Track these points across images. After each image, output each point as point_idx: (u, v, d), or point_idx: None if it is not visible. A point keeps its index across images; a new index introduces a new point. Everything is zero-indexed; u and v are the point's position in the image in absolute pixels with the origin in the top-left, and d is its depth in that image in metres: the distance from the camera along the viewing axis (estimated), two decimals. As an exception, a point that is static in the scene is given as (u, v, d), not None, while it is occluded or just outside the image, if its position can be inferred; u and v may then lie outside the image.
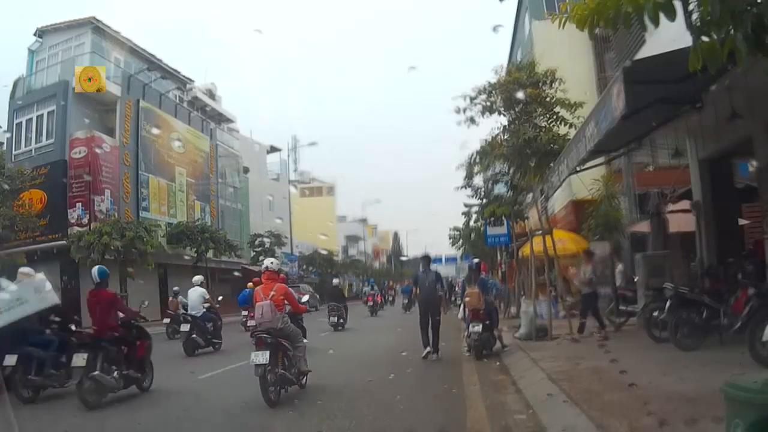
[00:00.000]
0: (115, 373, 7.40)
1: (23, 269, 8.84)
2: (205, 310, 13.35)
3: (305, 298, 11.61)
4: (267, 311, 7.15)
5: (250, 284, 18.40)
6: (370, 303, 27.70)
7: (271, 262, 7.90)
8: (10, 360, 7.42)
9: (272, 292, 7.31)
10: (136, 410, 7.12)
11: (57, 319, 8.54)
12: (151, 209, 28.11)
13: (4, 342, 7.48)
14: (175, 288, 18.39)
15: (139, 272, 23.23)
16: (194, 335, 12.74)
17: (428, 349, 10.35)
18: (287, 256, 37.29)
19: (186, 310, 13.83)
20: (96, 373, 7.10)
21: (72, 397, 7.31)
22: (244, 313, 16.71)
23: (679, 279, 10.28)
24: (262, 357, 6.76)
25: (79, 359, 7.17)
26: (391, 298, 41.13)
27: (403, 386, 7.85)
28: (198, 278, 14.44)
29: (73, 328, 8.55)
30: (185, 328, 12.75)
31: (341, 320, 18.93)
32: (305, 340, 8.38)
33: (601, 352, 8.23)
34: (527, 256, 14.12)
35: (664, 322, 8.60)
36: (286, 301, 7.52)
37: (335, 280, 22.76)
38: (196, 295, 13.59)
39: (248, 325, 15.02)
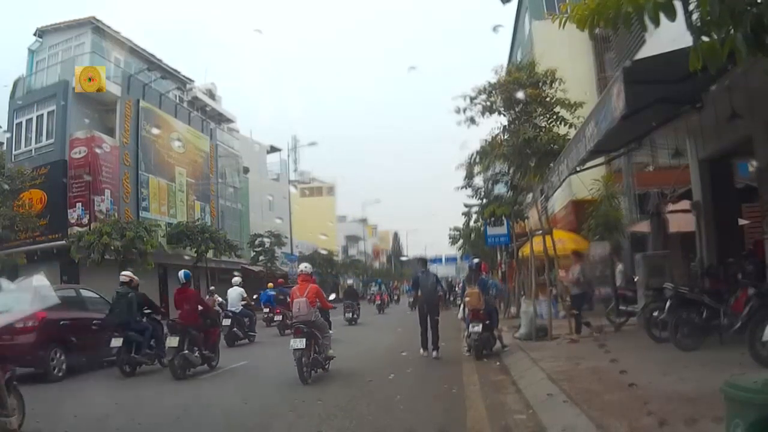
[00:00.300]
0: (197, 353, 9.75)
1: (125, 273, 11.12)
2: (242, 307, 15.37)
3: (332, 296, 12.69)
4: (303, 307, 8.62)
5: (270, 285, 19.70)
6: (378, 302, 29.63)
7: (306, 266, 9.60)
8: (116, 342, 9.83)
9: (306, 291, 8.73)
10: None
11: (148, 310, 10.91)
12: (151, 209, 28.10)
13: (113, 328, 10.07)
14: (212, 287, 20.46)
15: (139, 272, 23.10)
16: (234, 329, 14.60)
17: (424, 352, 10.76)
18: (287, 256, 37.27)
19: (222, 308, 15.10)
20: (185, 351, 9.41)
21: (159, 372, 10.12)
22: (266, 310, 19.29)
23: (679, 279, 10.28)
24: (300, 343, 8.25)
25: (173, 341, 9.40)
26: (396, 297, 42.17)
27: (403, 386, 7.86)
28: (237, 279, 16.44)
29: (159, 318, 11.01)
30: (226, 322, 14.21)
31: (355, 316, 20.99)
32: (331, 331, 9.74)
33: (601, 352, 8.22)
34: (527, 256, 14.12)
35: (664, 322, 8.60)
36: (317, 299, 8.86)
37: (349, 281, 25.77)
38: (235, 294, 15.60)
39: (274, 320, 18.21)
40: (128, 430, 6.06)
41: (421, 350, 10.86)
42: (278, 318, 17.52)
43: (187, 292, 10.37)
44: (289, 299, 10.73)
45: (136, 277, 11.04)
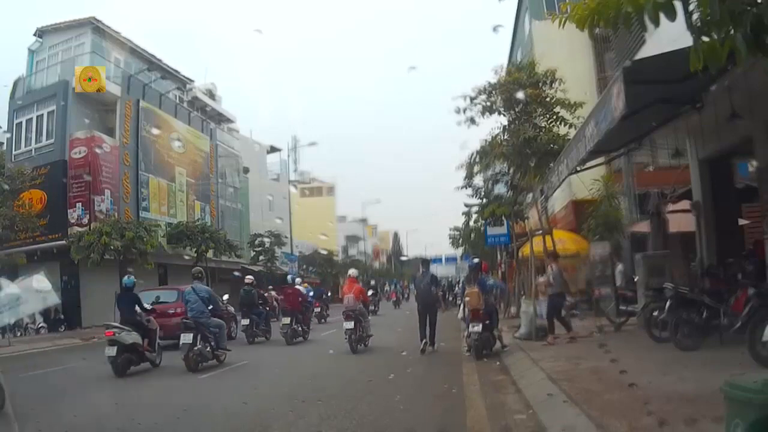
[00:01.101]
0: (301, 329, 14.87)
1: (249, 276, 15.54)
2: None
3: (370, 293, 16.66)
4: (351, 300, 12.23)
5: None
6: (394, 299, 37.23)
7: (353, 271, 13.55)
8: (245, 321, 15.49)
9: (353, 290, 12.43)
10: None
11: (261, 301, 16.90)
12: (151, 209, 28.11)
13: (243, 308, 15.72)
14: (270, 286, 24.20)
15: (139, 272, 23.18)
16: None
17: (425, 341, 11.35)
18: (287, 256, 37.28)
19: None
20: (294, 327, 14.39)
21: (270, 343, 15.33)
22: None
23: (679, 279, 10.26)
24: (350, 325, 11.77)
25: (286, 319, 14.48)
26: (406, 295, 43.55)
27: (403, 386, 7.86)
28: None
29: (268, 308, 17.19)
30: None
31: (376, 308, 25.69)
32: (369, 317, 13.32)
33: (601, 352, 8.22)
34: (527, 256, 14.12)
35: (664, 322, 8.60)
36: (360, 295, 12.61)
37: (372, 281, 31.34)
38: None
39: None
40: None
41: (420, 345, 11.27)
42: (317, 309, 20.99)
43: (294, 289, 15.42)
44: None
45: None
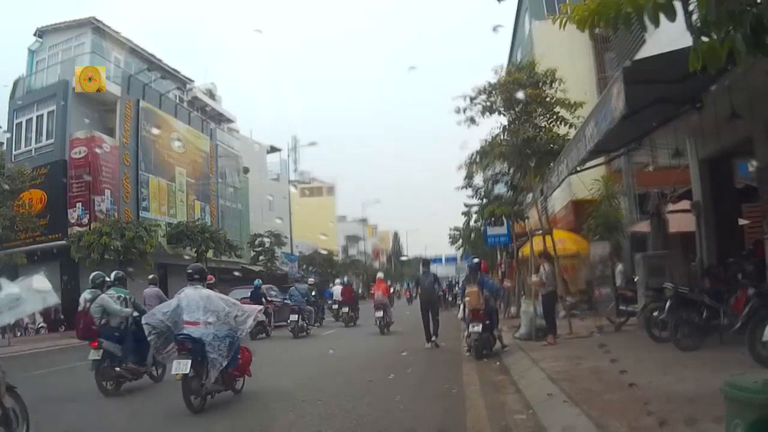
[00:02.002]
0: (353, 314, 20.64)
1: (311, 279, 18.02)
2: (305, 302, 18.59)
3: (392, 289, 20.61)
4: (380, 296, 17.08)
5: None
6: (407, 296, 40.10)
7: (381, 274, 20.16)
8: (293, 316, 17.04)
9: (381, 288, 17.54)
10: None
11: (314, 296, 19.79)
12: (151, 209, 28.11)
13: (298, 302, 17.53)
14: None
15: (139, 272, 23.18)
16: (300, 322, 17.52)
17: (429, 344, 12.27)
18: (287, 256, 37.28)
19: None
20: (351, 314, 20.23)
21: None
22: (330, 301, 23.92)
23: (679, 279, 10.26)
24: (380, 314, 16.46)
25: (345, 309, 20.79)
26: (416, 293, 43.90)
27: (403, 386, 7.85)
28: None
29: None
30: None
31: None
32: (392, 308, 18.44)
33: (600, 352, 8.21)
34: (527, 256, 14.12)
35: (664, 322, 8.60)
36: (387, 292, 17.66)
37: (384, 278, 34.55)
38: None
39: (341, 312, 22.24)
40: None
41: (426, 343, 12.29)
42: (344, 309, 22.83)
43: (351, 288, 22.15)
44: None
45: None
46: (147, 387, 8.54)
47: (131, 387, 8.33)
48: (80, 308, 8.98)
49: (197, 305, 7.00)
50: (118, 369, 8.10)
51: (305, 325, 17.12)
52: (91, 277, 9.45)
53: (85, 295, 9.09)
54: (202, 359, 6.70)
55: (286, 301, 18.81)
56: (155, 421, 6.56)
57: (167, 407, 6.93)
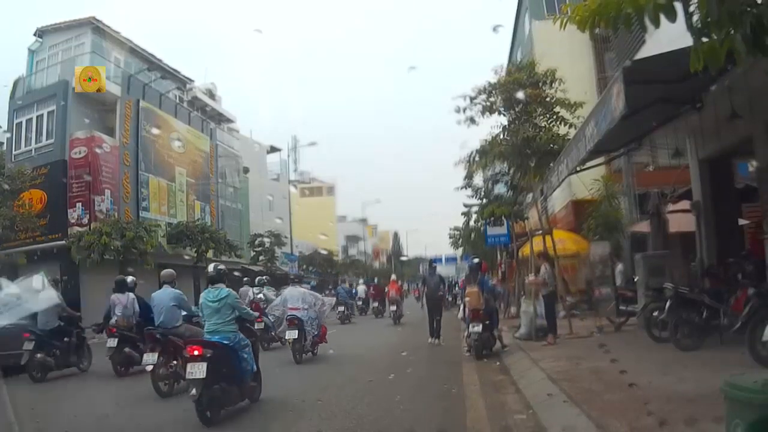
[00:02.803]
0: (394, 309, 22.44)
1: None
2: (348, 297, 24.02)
3: (405, 287, 20.86)
4: (393, 293, 21.57)
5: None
6: (416, 295, 40.65)
7: (394, 275, 24.60)
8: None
9: (395, 287, 21.94)
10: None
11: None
12: (151, 209, 28.08)
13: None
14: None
15: (139, 272, 23.16)
16: (346, 312, 22.71)
17: (431, 339, 13.27)
18: (287, 256, 37.26)
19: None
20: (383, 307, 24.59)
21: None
22: (360, 303, 27.29)
23: (679, 279, 10.26)
24: (393, 307, 21.09)
25: (392, 308, 21.63)
26: (423, 292, 45.17)
27: (403, 386, 7.86)
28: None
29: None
30: (341, 308, 21.68)
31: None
32: (403, 305, 22.37)
33: (600, 352, 8.21)
34: (527, 256, 14.13)
35: (664, 322, 8.60)
36: (400, 291, 22.70)
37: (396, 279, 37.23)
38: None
39: (371, 306, 26.87)
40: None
41: (429, 339, 13.27)
42: (374, 304, 26.28)
43: (378, 287, 26.70)
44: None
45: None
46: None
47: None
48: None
49: (297, 298, 11.11)
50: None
51: (350, 313, 23.60)
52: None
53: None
54: (301, 330, 10.61)
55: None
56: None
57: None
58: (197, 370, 5.91)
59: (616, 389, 5.69)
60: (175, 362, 7.81)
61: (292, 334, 10.58)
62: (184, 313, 8.76)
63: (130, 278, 11.00)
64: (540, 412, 5.68)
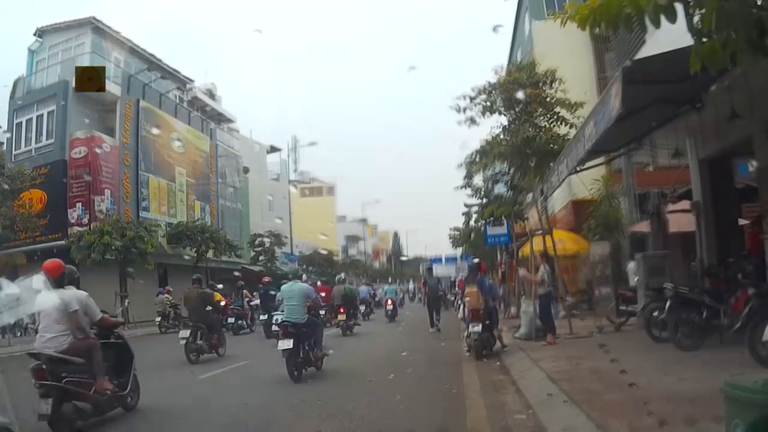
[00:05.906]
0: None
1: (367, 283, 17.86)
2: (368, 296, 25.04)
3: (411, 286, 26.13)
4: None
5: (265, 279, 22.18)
6: (389, 307, 40.87)
7: (390, 279, 36.54)
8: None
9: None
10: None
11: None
12: (151, 209, 28.11)
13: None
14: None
15: (139, 272, 23.25)
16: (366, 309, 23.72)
17: (432, 328, 16.16)
18: (287, 256, 37.27)
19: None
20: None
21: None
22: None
23: (679, 279, 10.27)
24: (390, 306, 23.47)
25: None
26: (424, 291, 46.51)
27: (403, 386, 7.85)
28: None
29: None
30: (362, 307, 21.83)
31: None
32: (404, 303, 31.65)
33: (601, 352, 8.21)
34: (527, 256, 14.12)
35: (664, 322, 8.59)
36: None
37: (411, 285, 39.57)
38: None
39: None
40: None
41: (430, 328, 16.07)
42: (389, 307, 24.41)
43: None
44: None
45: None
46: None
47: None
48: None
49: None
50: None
51: (369, 311, 25.52)
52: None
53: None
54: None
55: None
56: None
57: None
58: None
59: (616, 389, 5.69)
60: None
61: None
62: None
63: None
64: (540, 412, 5.67)
